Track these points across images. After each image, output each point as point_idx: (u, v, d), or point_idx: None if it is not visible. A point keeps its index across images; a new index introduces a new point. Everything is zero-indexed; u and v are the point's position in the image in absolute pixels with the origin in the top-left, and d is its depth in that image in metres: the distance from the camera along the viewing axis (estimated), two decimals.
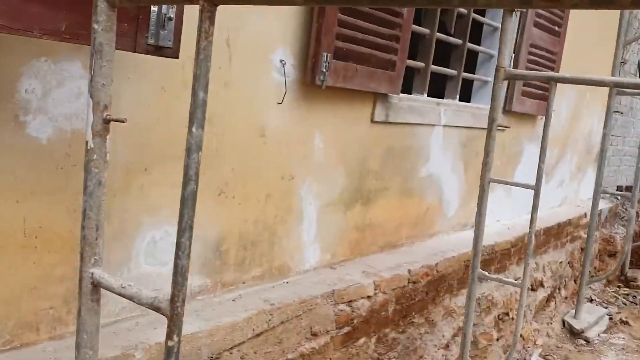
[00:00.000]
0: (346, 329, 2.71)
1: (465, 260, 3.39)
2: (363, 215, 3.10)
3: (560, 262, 4.87)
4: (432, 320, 3.28)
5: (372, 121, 2.98)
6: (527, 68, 4.00)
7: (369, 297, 2.80)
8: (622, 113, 6.90)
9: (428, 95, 3.43)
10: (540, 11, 3.99)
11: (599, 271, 6.36)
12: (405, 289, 3.06)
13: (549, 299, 4.73)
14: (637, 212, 7.38)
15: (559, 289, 4.97)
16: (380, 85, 2.83)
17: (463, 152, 3.79)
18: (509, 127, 4.01)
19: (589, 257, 4.77)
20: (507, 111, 4.02)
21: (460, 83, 3.69)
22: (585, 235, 4.96)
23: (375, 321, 2.90)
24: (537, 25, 4.02)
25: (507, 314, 3.96)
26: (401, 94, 3.07)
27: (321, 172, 2.76)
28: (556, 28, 4.26)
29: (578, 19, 4.44)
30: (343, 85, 2.59)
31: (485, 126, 2.81)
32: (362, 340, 2.82)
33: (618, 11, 4.38)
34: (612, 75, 4.47)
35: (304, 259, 2.79)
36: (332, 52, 2.46)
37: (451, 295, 3.43)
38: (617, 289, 6.37)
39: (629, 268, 6.78)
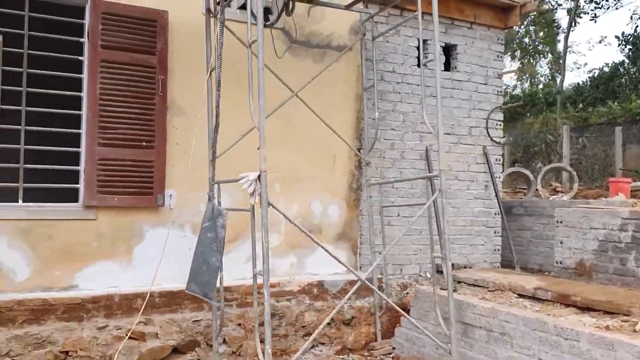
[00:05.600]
0: None
1: None
2: None
3: (197, 320, 5.94)
4: None
5: None
6: (103, 179, 5.59)
7: None
8: None
9: None
10: (111, 134, 5.59)
11: (335, 339, 6.95)
12: None
13: (179, 350, 5.81)
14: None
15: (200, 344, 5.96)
16: None
17: None
18: None
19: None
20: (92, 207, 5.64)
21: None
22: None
23: None
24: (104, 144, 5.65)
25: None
26: None
27: None
28: (144, 143, 5.78)
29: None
30: None
31: None
32: None
33: None
34: None
35: None
36: None
37: None
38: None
39: None
